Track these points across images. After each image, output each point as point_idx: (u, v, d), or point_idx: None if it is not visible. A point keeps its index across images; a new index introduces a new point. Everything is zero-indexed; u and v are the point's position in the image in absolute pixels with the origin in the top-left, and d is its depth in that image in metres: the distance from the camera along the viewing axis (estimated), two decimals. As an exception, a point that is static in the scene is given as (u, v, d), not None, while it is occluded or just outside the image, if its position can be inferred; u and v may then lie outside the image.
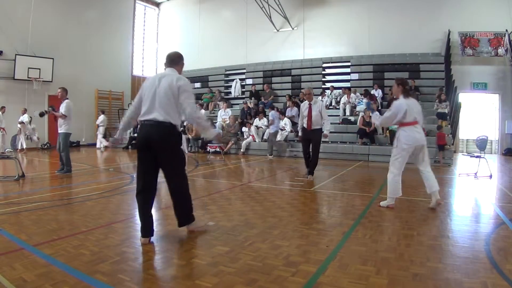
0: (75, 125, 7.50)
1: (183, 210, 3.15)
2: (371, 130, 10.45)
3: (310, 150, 6.54)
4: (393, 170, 4.24)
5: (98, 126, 13.97)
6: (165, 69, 3.13)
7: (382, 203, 4.32)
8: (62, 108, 6.75)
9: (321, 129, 6.39)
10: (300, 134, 6.82)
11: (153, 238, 3.02)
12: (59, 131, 6.88)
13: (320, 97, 12.34)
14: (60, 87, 7.00)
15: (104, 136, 15.68)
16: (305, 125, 6.45)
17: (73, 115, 6.97)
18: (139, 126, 3.06)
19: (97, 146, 13.77)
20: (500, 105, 12.19)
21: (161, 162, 2.95)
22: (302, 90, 13.66)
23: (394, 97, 4.40)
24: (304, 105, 6.51)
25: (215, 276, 2.31)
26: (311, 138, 6.42)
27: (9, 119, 11.88)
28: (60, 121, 6.79)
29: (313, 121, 6.33)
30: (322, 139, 6.48)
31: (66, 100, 6.80)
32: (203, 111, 13.56)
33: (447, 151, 9.20)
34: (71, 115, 6.82)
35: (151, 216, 2.99)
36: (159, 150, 2.89)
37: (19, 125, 11.97)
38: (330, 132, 7.48)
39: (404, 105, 4.13)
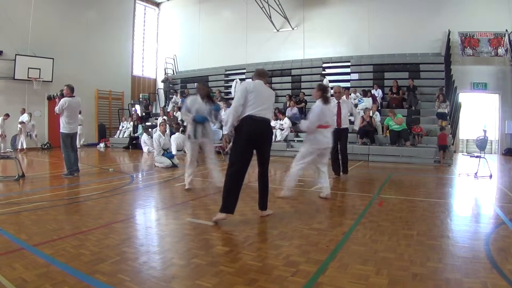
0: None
1: (266, 196, 3.81)
2: (371, 130, 10.46)
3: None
4: (299, 164, 4.68)
5: None
6: (254, 79, 3.78)
7: (281, 193, 4.76)
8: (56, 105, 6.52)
9: (347, 128, 6.59)
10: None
11: (152, 238, 3.01)
12: None
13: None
14: (66, 84, 6.70)
15: (104, 136, 15.72)
16: (334, 125, 6.42)
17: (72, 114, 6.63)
18: (247, 120, 3.49)
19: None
20: (500, 105, 12.17)
21: (264, 150, 3.69)
22: (302, 90, 13.73)
23: (315, 99, 4.89)
24: (332, 104, 6.46)
25: (215, 276, 2.31)
26: (339, 137, 6.41)
27: (9, 119, 11.89)
28: (60, 119, 6.57)
29: (343, 120, 6.39)
30: (347, 125, 6.65)
31: (64, 98, 6.48)
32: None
33: (448, 152, 9.19)
34: (68, 114, 6.47)
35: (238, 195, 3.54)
36: (265, 142, 3.67)
37: (19, 126, 11.95)
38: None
39: (319, 108, 4.66)
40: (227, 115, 3.62)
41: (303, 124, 4.88)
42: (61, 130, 6.58)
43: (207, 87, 5.49)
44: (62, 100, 6.50)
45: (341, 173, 6.64)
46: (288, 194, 4.74)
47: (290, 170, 4.81)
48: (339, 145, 6.51)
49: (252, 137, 3.53)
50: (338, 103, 6.39)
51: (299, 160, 4.73)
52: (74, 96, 6.63)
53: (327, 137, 4.72)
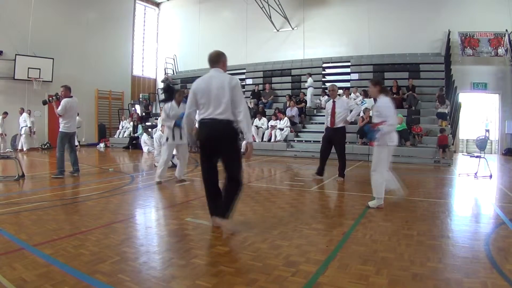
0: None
1: (229, 203, 3.25)
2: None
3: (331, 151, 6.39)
4: (381, 170, 4.16)
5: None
6: (210, 69, 3.31)
7: (371, 204, 4.27)
8: (59, 107, 6.52)
9: (344, 127, 6.29)
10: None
11: (152, 238, 3.00)
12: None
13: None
14: (62, 85, 6.75)
15: (104, 136, 15.72)
16: (328, 124, 6.29)
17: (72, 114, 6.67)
18: (199, 125, 3.26)
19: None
20: (500, 105, 12.17)
21: (222, 155, 3.25)
22: (302, 90, 13.72)
23: (372, 97, 4.36)
24: (329, 103, 6.34)
25: (215, 276, 2.31)
26: (333, 137, 6.22)
27: (9, 119, 11.89)
28: (59, 119, 6.62)
29: (337, 119, 6.15)
30: (343, 124, 6.23)
31: (65, 99, 6.53)
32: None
33: (448, 152, 9.19)
34: (69, 114, 6.52)
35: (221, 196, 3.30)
36: (220, 146, 3.19)
37: (23, 131, 11.90)
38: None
39: (389, 103, 4.12)
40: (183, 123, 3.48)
41: (385, 128, 4.08)
42: (60, 130, 6.59)
43: (182, 94, 5.92)
44: (64, 101, 6.52)
45: (338, 177, 6.42)
46: (381, 204, 4.25)
47: (375, 179, 4.22)
48: (334, 148, 6.32)
49: (205, 143, 3.22)
50: (333, 101, 6.25)
51: (378, 166, 4.15)
52: (72, 96, 6.67)
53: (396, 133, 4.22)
